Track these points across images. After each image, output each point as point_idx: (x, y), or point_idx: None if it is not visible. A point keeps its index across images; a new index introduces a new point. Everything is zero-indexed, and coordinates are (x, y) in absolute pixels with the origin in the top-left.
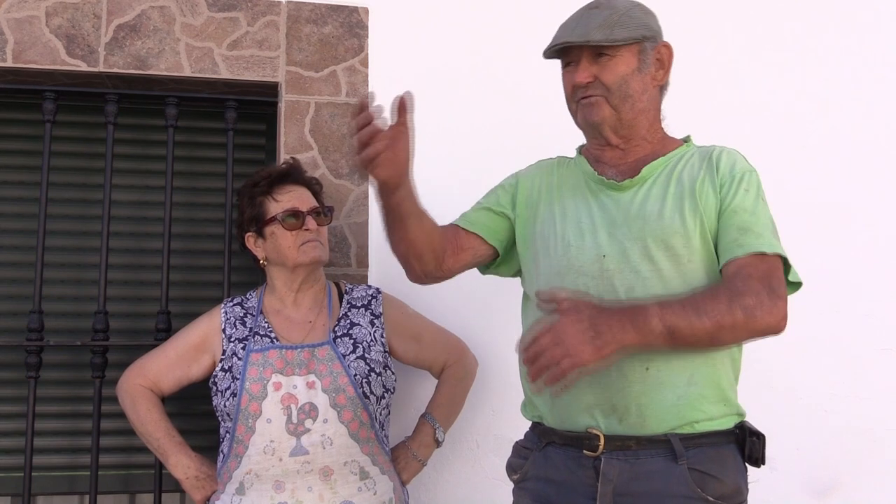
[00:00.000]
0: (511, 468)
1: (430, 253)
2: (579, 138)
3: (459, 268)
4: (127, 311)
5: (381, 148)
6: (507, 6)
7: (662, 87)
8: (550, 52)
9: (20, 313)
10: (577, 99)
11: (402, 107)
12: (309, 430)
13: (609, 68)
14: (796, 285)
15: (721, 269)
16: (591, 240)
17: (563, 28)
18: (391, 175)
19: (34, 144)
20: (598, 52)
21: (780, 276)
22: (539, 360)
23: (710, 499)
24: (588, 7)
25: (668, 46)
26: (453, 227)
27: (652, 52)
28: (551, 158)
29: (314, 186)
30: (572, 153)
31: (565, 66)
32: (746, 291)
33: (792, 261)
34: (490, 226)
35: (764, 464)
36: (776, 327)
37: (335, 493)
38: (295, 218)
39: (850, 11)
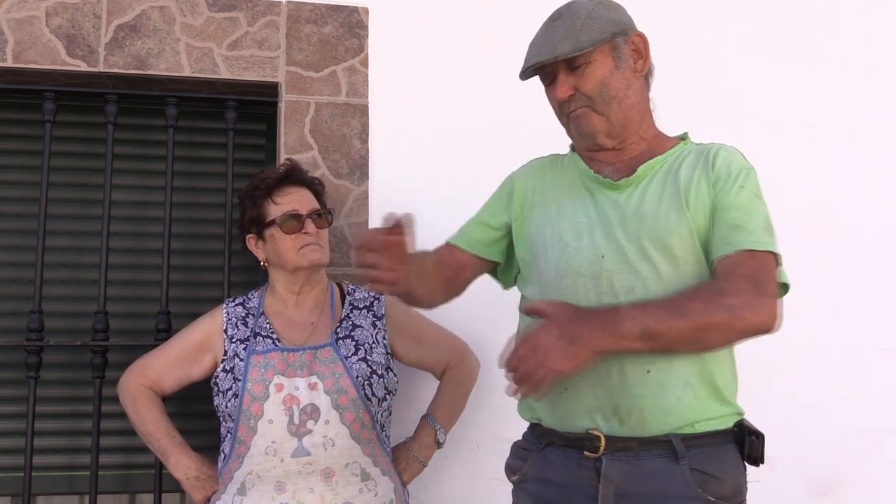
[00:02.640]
0: (510, 469)
1: (435, 291)
2: None
3: (463, 286)
4: (127, 311)
5: (380, 266)
6: (507, 6)
7: (647, 77)
8: (526, 75)
9: (20, 313)
10: (566, 114)
11: (399, 226)
12: (311, 431)
13: (586, 76)
14: (784, 287)
15: (711, 268)
16: (589, 240)
17: (532, 47)
18: (391, 288)
19: (34, 144)
20: (572, 63)
21: (770, 273)
22: (517, 371)
23: (711, 499)
24: (550, 20)
25: (640, 35)
26: (449, 249)
27: (625, 45)
28: (544, 157)
29: (315, 186)
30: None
31: (546, 84)
32: (730, 290)
33: (783, 260)
34: (486, 241)
35: (763, 463)
36: (764, 326)
37: (336, 494)
38: (294, 220)
39: (851, 12)
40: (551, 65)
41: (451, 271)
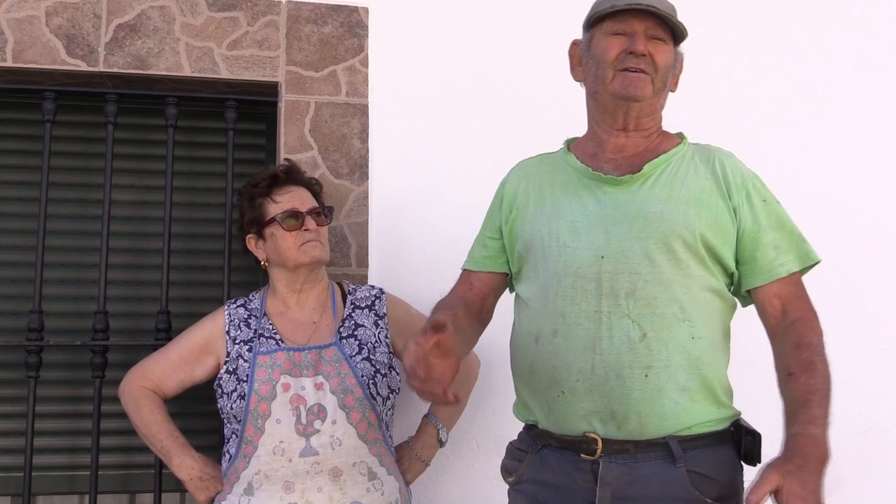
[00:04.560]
0: (506, 470)
1: (473, 335)
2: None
3: (490, 312)
4: (127, 311)
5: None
6: (507, 6)
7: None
8: (611, 10)
9: (20, 313)
10: (621, 68)
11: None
12: (318, 430)
13: (662, 51)
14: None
15: (757, 287)
16: (588, 240)
17: None
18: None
19: (34, 144)
20: (654, 33)
21: (806, 290)
22: None
23: (709, 500)
24: None
25: (681, 57)
26: (465, 278)
27: (679, 57)
28: (531, 157)
29: (314, 187)
30: None
31: (613, 32)
32: (814, 337)
33: (812, 243)
34: (490, 255)
35: (760, 462)
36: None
37: (344, 493)
38: (294, 218)
39: (852, 12)
40: (633, 21)
41: (476, 304)
